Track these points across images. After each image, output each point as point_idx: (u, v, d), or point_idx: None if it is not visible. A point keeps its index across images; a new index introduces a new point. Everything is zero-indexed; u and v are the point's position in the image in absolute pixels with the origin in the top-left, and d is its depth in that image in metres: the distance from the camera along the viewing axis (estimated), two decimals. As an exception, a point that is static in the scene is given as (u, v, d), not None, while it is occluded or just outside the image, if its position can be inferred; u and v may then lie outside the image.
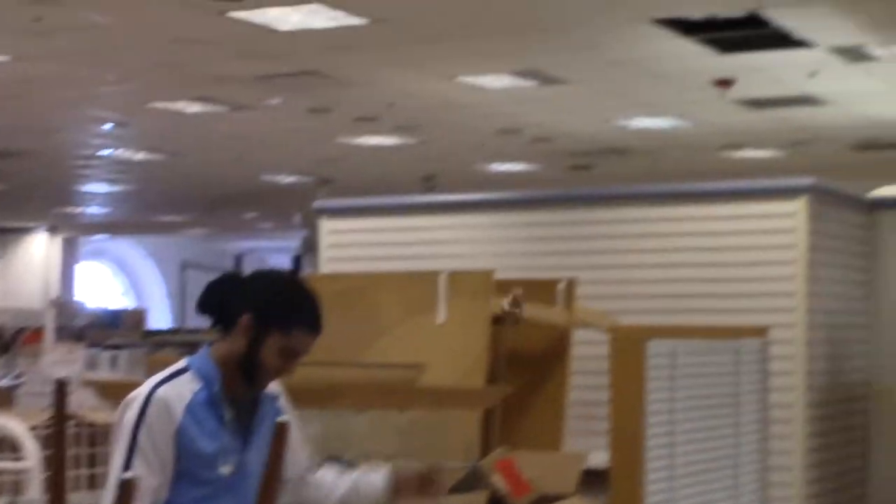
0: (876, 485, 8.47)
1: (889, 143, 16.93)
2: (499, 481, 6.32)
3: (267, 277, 4.18)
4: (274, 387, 4.20)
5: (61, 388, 3.54)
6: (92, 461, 6.65)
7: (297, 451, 4.21)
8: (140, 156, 19.07)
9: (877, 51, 11.72)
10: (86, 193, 24.96)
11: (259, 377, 4.04)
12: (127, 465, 3.87)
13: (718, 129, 16.00)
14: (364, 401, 6.16)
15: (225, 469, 3.97)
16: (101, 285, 34.29)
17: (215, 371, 4.04)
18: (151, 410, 3.93)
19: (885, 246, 8.59)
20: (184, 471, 3.95)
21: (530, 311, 7.40)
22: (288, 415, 4.20)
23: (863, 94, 13.76)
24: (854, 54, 11.85)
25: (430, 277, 7.26)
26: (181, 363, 4.10)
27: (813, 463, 7.79)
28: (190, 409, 3.97)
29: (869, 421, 8.52)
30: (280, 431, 3.41)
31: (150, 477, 3.89)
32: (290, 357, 4.03)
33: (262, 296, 4.06)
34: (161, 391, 3.96)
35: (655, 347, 6.03)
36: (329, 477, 4.30)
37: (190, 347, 13.56)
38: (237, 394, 4.06)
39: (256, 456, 4.07)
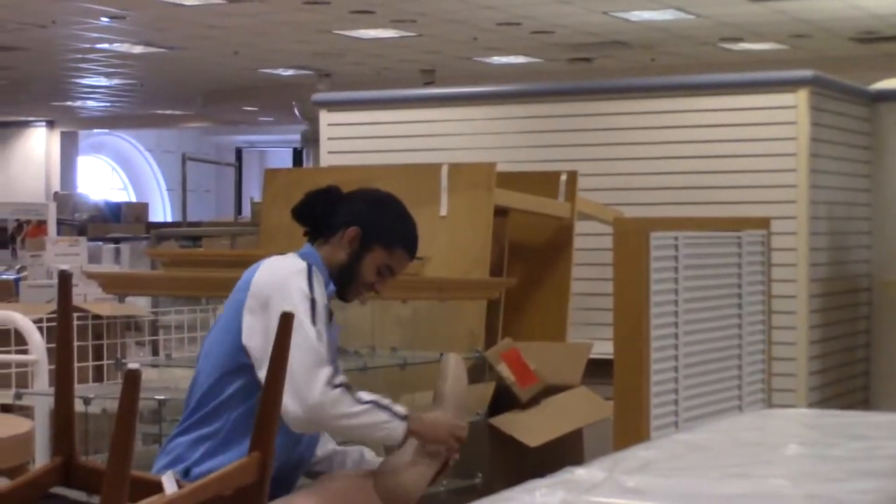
0: (879, 375, 8.50)
1: (890, 36, 16.82)
2: (505, 371, 6.34)
3: (375, 196, 4.37)
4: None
5: (66, 280, 3.49)
6: (98, 353, 6.66)
7: None
8: (138, 49, 18.97)
9: (880, -59, 11.62)
10: (84, 87, 24.86)
11: (352, 290, 4.26)
12: (313, 322, 4.01)
13: (718, 21, 15.90)
14: (368, 292, 6.16)
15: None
16: (100, 179, 34.23)
17: (330, 281, 4.21)
18: (314, 279, 4.08)
19: (887, 138, 8.55)
20: None
21: (532, 202, 7.39)
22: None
23: (864, -15, 13.67)
24: (857, -55, 11.74)
25: (431, 170, 7.25)
26: (303, 260, 4.18)
27: (816, 354, 7.81)
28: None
29: (872, 313, 8.54)
30: (284, 322, 3.40)
31: (325, 334, 4.05)
32: (385, 275, 4.26)
33: (370, 212, 4.26)
34: (313, 267, 4.11)
35: (658, 239, 6.02)
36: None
37: (193, 241, 13.61)
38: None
39: None
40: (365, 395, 4.03)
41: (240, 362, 4.07)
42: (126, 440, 2.92)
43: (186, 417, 4.18)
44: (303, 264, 4.10)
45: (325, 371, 3.94)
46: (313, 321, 3.99)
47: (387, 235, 4.23)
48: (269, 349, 3.87)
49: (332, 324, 4.26)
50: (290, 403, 3.88)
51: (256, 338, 4.03)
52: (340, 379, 3.99)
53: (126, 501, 2.93)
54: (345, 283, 4.21)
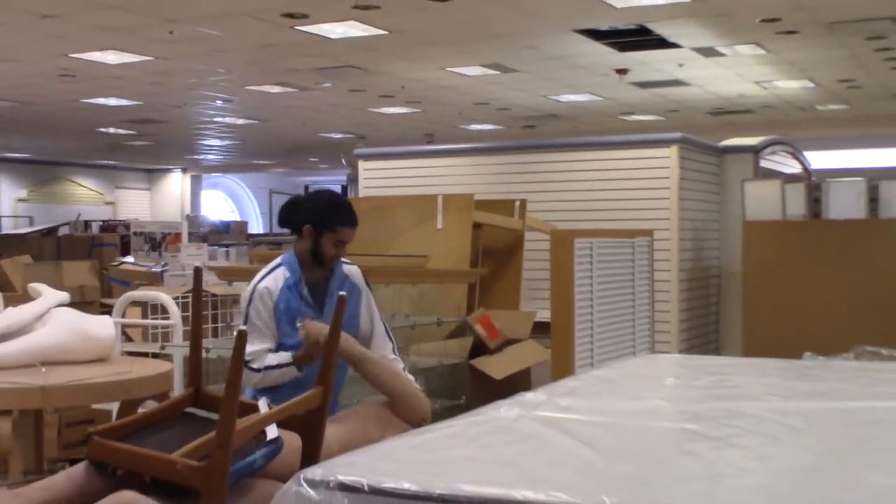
0: (724, 332, 8.50)
1: (732, 111, 16.83)
2: (479, 329, 6.33)
3: (314, 197, 4.16)
4: (350, 270, 4.20)
5: (198, 273, 3.50)
6: (215, 319, 6.65)
7: (381, 336, 4.20)
8: (241, 121, 18.92)
9: (724, 50, 11.61)
10: (205, 146, 24.79)
11: (325, 262, 4.08)
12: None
13: (618, 101, 15.87)
14: (390, 278, 6.15)
15: (298, 324, 3.98)
16: (217, 206, 34.12)
17: (297, 264, 4.08)
18: (256, 297, 3.99)
19: (729, 177, 8.55)
20: (281, 331, 4.02)
21: (497, 219, 7.38)
22: (363, 290, 4.22)
23: (714, 78, 13.64)
24: (709, 52, 11.72)
25: (431, 198, 7.24)
26: (278, 260, 4.12)
27: (683, 319, 7.80)
28: (282, 290, 4.03)
29: (720, 292, 8.53)
30: (339, 303, 3.37)
31: (262, 342, 3.97)
32: (340, 245, 4.06)
33: (313, 211, 4.06)
34: (262, 283, 4.02)
35: (580, 244, 6.01)
36: None
37: (277, 245, 13.57)
38: (314, 278, 4.10)
39: (329, 317, 4.08)
40: (269, 361, 3.94)
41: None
42: (236, 377, 2.91)
43: None
44: (251, 286, 4.00)
45: (247, 369, 3.90)
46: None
47: (327, 223, 4.02)
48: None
49: (332, 299, 3.99)
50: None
51: None
52: (256, 364, 3.94)
53: (235, 417, 2.91)
54: (318, 260, 4.05)
